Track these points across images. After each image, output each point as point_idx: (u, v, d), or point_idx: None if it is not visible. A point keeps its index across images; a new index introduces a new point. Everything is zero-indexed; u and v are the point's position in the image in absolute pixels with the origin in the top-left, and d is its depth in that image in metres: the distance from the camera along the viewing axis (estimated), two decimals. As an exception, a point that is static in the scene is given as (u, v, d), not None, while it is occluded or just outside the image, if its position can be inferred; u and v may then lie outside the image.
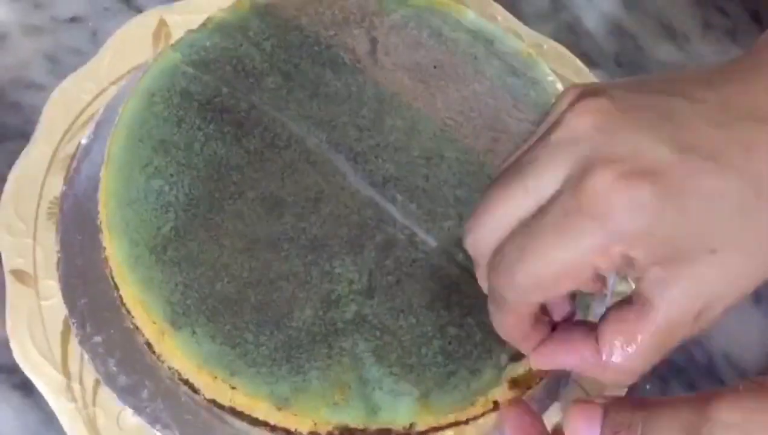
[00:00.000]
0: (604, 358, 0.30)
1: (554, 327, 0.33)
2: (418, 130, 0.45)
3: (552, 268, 0.29)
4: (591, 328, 0.32)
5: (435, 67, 0.47)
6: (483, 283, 0.33)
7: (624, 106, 0.30)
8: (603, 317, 0.31)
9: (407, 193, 0.42)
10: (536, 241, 0.29)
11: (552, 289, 0.30)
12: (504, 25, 0.54)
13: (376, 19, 0.49)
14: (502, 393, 0.38)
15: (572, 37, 0.60)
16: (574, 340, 0.32)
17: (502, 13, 0.56)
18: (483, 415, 0.38)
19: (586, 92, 0.31)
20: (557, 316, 0.33)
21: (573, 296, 0.34)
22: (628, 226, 0.28)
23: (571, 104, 0.30)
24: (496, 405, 0.38)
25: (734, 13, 0.63)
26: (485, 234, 0.31)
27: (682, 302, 0.29)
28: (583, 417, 0.32)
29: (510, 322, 0.32)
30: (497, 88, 0.47)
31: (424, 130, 0.45)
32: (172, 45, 0.47)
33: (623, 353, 0.30)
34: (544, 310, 0.33)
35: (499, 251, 0.31)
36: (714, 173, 0.28)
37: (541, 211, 0.29)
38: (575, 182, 0.28)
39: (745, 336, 0.52)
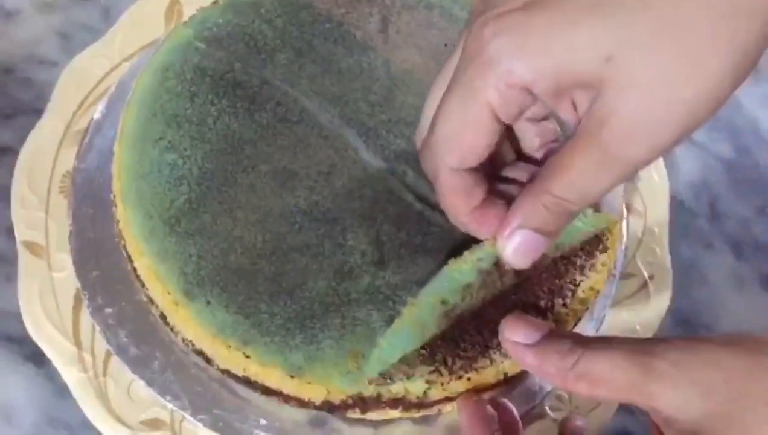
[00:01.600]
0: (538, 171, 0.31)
1: None
2: (430, 107, 0.45)
3: (453, 123, 0.30)
4: None
5: (446, 45, 0.47)
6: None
7: None
8: None
9: (418, 168, 0.43)
10: (440, 109, 0.31)
11: (462, 144, 0.31)
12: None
13: (388, -1, 0.49)
14: (512, 365, 0.38)
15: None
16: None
17: None
18: (494, 386, 0.38)
19: None
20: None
21: None
22: (501, 54, 0.28)
23: None
24: (506, 377, 0.38)
25: None
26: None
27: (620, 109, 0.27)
28: (526, 326, 0.34)
29: (449, 200, 0.33)
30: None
31: (435, 107, 0.45)
32: (184, 22, 0.47)
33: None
34: (501, 195, 0.34)
35: None
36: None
37: None
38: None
39: (752, 320, 0.53)
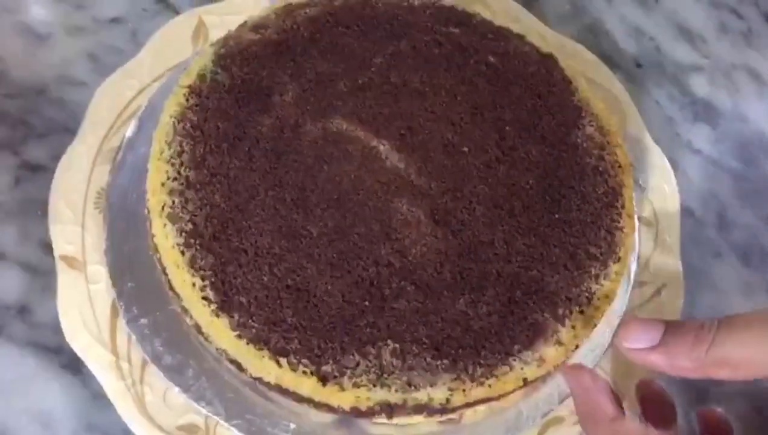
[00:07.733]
0: None
1: None
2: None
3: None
4: None
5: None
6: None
7: None
8: None
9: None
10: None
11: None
12: (528, 26, 0.56)
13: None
14: (531, 371, 0.40)
15: (593, 38, 0.62)
16: None
17: (525, 15, 0.58)
18: (513, 391, 0.40)
19: None
20: None
21: None
22: None
23: None
24: (525, 382, 0.40)
25: (749, 15, 0.65)
26: None
27: None
28: (641, 330, 0.35)
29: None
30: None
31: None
32: (211, 44, 0.49)
33: None
34: None
35: None
36: None
37: None
38: None
39: None
